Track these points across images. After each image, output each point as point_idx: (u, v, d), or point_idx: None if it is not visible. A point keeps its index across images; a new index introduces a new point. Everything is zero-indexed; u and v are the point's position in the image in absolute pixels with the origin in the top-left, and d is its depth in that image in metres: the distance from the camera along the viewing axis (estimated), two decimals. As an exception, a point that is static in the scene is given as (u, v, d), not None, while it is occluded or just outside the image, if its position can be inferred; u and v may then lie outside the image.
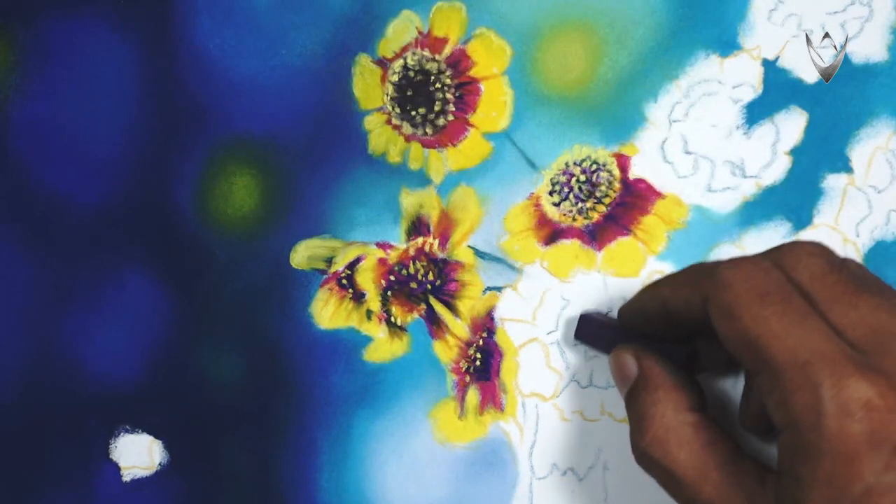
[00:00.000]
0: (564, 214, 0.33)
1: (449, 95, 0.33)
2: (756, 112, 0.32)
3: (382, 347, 0.33)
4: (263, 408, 0.34)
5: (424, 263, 0.33)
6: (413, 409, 0.33)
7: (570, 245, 0.33)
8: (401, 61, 0.33)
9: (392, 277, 0.33)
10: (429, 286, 0.33)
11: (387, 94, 0.33)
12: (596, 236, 0.32)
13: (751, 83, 0.31)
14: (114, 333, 0.35)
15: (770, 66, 0.31)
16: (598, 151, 0.32)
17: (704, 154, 0.32)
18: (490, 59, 0.32)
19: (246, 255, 0.34)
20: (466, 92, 0.33)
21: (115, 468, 0.35)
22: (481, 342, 0.33)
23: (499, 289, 0.33)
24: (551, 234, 0.33)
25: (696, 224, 0.32)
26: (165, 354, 0.35)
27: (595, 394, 0.32)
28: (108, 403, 0.35)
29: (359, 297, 0.34)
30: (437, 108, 0.33)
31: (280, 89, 0.34)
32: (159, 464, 0.35)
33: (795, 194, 0.31)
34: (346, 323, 0.34)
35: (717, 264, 0.26)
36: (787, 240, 0.31)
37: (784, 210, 0.31)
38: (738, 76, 0.31)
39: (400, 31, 0.33)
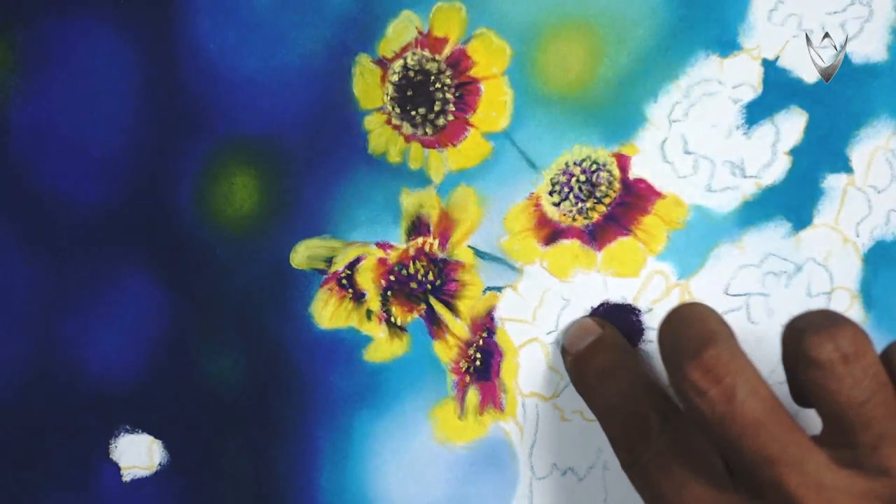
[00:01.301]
0: (564, 214, 0.33)
1: (449, 95, 0.33)
2: (756, 112, 0.32)
3: (382, 347, 0.34)
4: (263, 408, 0.34)
5: (424, 263, 0.33)
6: (413, 409, 0.33)
7: (570, 245, 0.33)
8: (401, 61, 0.33)
9: (392, 277, 0.33)
10: (429, 286, 0.33)
11: (387, 94, 0.33)
12: (596, 236, 0.32)
13: (751, 83, 0.31)
14: (114, 333, 0.35)
15: (770, 66, 0.31)
16: (598, 151, 0.32)
17: (704, 154, 0.32)
18: (490, 59, 0.32)
19: (246, 255, 0.34)
20: (466, 92, 0.33)
21: (115, 468, 0.35)
22: (481, 342, 0.33)
23: (499, 289, 0.33)
24: (551, 234, 0.33)
25: (696, 224, 0.32)
26: (165, 354, 0.35)
27: (595, 394, 0.32)
28: (108, 403, 0.35)
29: (359, 297, 0.34)
30: (437, 108, 0.33)
31: (280, 89, 0.34)
32: (159, 464, 0.35)
33: (795, 194, 0.31)
34: (346, 323, 0.34)
35: (818, 339, 0.25)
36: (787, 240, 0.31)
37: (784, 210, 0.32)
38: (738, 76, 0.31)
39: (400, 31, 0.33)
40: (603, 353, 0.30)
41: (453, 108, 0.33)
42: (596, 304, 0.33)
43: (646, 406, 0.28)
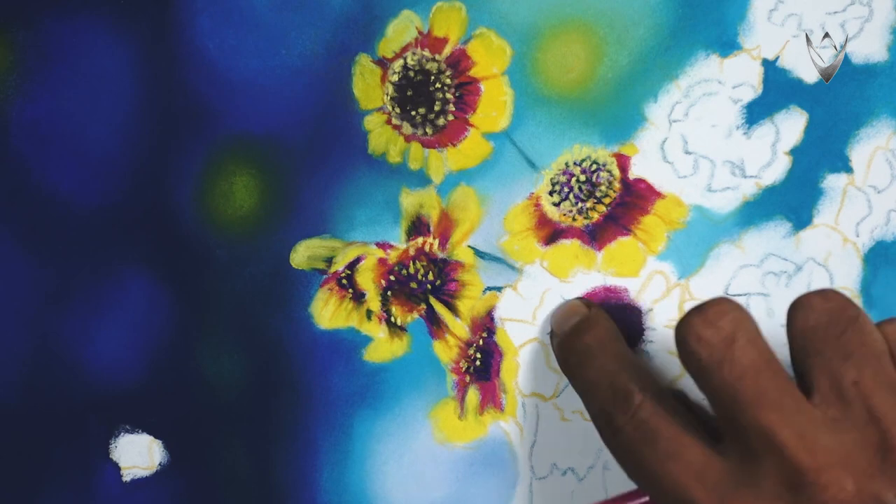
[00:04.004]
0: (564, 214, 0.33)
1: (449, 95, 0.33)
2: (756, 112, 0.32)
3: (382, 347, 0.34)
4: (263, 408, 0.34)
5: (424, 263, 0.33)
6: (413, 409, 0.33)
7: (570, 245, 0.33)
8: (401, 61, 0.33)
9: (392, 277, 0.33)
10: (429, 286, 0.33)
11: (387, 94, 0.33)
12: (596, 236, 0.32)
13: (751, 83, 0.31)
14: (114, 333, 0.35)
15: (770, 66, 0.31)
16: (598, 151, 0.32)
17: (704, 154, 0.32)
18: (490, 59, 0.32)
19: (246, 255, 0.34)
20: (466, 92, 0.33)
21: (115, 468, 0.35)
22: (481, 342, 0.33)
23: (499, 289, 0.33)
24: (551, 234, 0.33)
25: (696, 224, 0.32)
26: (165, 354, 0.35)
27: (595, 394, 0.32)
28: (108, 403, 0.35)
29: (359, 297, 0.34)
30: (437, 108, 0.33)
31: (280, 89, 0.34)
32: (159, 464, 0.35)
33: (795, 194, 0.31)
34: (346, 323, 0.34)
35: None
36: (787, 239, 0.31)
37: (784, 210, 0.32)
38: (738, 76, 0.31)
39: (400, 31, 0.33)
40: (588, 333, 0.30)
41: (453, 108, 0.33)
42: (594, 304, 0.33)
43: (628, 381, 0.28)
